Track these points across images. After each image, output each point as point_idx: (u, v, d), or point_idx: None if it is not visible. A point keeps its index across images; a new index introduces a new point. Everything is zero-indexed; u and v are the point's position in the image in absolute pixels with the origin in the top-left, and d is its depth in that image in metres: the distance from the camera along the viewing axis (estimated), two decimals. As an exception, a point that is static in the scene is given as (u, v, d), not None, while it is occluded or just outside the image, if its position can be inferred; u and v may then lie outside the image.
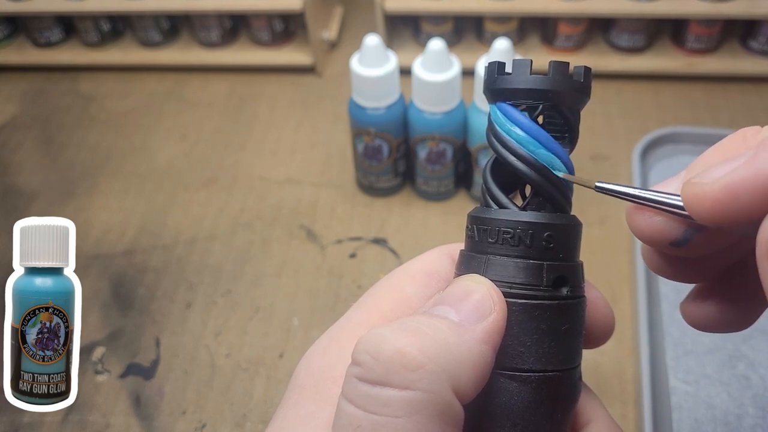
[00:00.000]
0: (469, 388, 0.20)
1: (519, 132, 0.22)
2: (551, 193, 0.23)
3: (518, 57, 0.53)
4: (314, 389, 0.23)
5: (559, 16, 0.70)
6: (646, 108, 0.70)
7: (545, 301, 0.22)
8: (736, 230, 0.18)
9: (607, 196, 0.21)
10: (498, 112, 0.23)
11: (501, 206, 0.23)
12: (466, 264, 0.23)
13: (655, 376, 0.46)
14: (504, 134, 0.23)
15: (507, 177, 0.24)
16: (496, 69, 0.23)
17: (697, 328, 0.23)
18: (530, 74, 0.22)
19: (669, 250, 0.21)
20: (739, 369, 0.46)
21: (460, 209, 0.60)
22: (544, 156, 0.22)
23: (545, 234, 0.22)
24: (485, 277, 0.22)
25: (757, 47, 0.71)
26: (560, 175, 0.22)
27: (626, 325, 0.50)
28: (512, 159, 0.23)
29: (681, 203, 0.19)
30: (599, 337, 0.26)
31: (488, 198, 0.24)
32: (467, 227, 0.24)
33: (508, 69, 0.23)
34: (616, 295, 0.52)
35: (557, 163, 0.23)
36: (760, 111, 0.68)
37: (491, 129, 0.23)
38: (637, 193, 0.20)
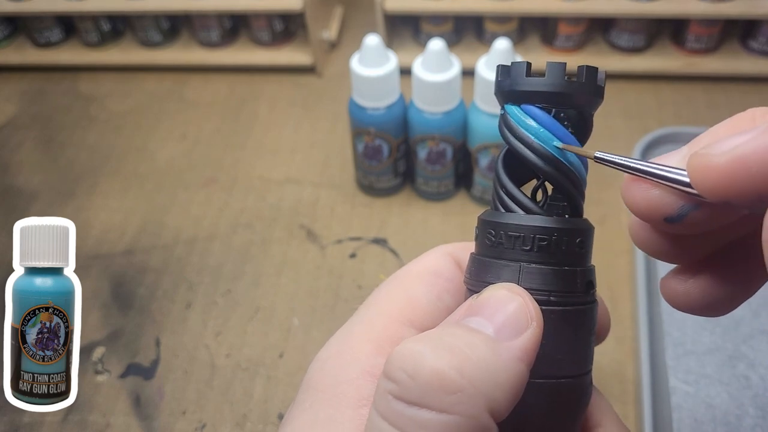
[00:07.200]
0: (504, 408, 0.19)
1: (535, 125, 0.22)
2: (567, 188, 0.22)
3: (518, 57, 0.53)
4: (331, 392, 0.23)
5: (559, 16, 0.70)
6: (646, 108, 0.70)
7: (579, 306, 0.22)
8: (740, 206, 0.17)
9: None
10: (515, 109, 0.23)
11: (528, 211, 0.22)
12: (494, 272, 0.22)
13: (655, 376, 0.46)
14: (520, 128, 0.22)
15: (516, 174, 0.23)
16: (525, 70, 0.22)
17: (676, 308, 0.22)
18: (564, 78, 0.22)
19: (662, 226, 0.20)
20: (739, 369, 0.46)
21: (460, 209, 0.60)
22: (557, 151, 0.22)
23: (578, 240, 0.22)
24: (521, 286, 0.21)
25: (757, 47, 0.71)
26: (559, 145, 0.22)
27: (626, 325, 0.50)
28: (528, 153, 0.22)
29: (682, 177, 0.18)
30: (601, 336, 0.26)
31: (509, 201, 0.23)
32: (489, 232, 0.23)
33: (517, 71, 0.22)
34: (616, 295, 0.52)
35: (575, 161, 0.22)
36: (760, 111, 0.68)
37: (506, 124, 0.23)
38: (636, 165, 0.20)
